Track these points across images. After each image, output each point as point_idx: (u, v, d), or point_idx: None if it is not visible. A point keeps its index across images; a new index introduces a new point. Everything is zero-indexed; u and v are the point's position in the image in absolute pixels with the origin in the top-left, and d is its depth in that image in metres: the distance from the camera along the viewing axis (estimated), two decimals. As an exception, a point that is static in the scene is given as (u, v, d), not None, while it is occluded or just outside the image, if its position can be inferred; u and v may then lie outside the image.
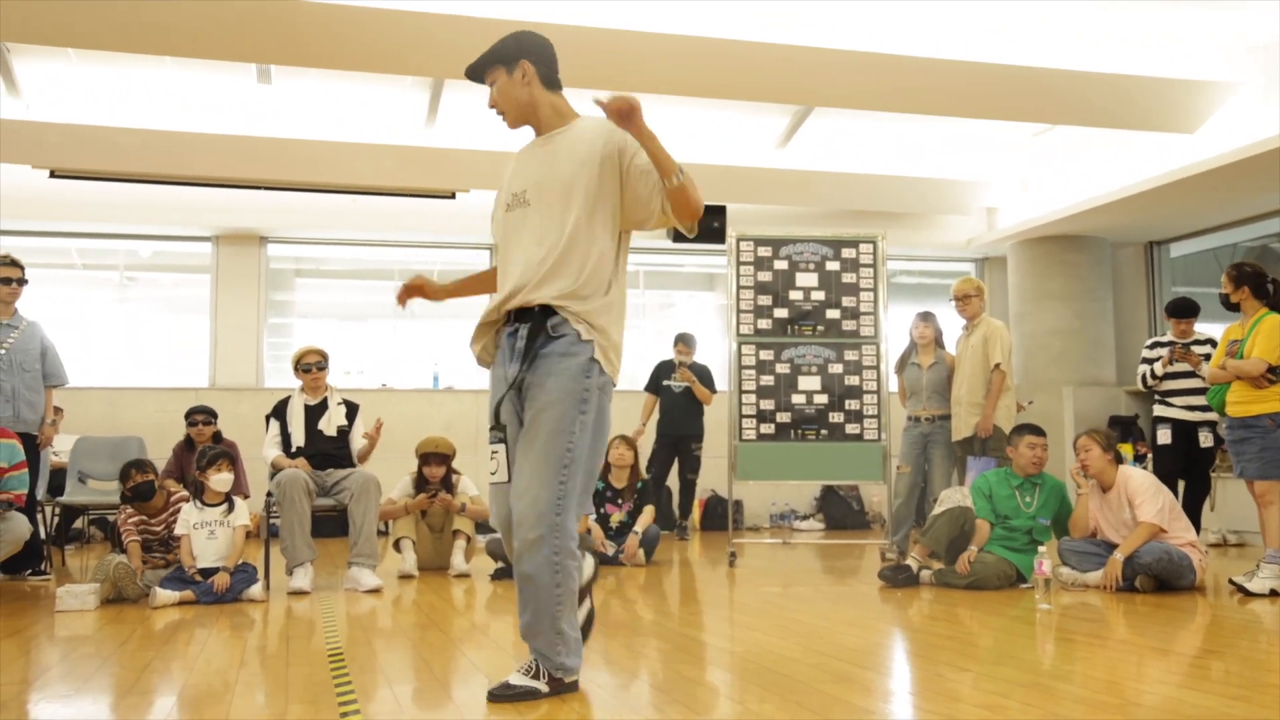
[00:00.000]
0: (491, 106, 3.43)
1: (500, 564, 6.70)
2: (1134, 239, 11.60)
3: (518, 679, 3.30)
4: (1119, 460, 6.21)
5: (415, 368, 11.49)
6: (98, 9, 6.75)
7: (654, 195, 3.25)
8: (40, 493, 7.13)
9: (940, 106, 8.57)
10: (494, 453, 3.30)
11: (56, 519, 8.18)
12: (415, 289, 3.73)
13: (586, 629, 3.55)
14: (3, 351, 6.74)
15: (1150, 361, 7.43)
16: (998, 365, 7.29)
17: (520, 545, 3.20)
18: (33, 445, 6.76)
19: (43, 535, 7.07)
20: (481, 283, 3.75)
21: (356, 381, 11.04)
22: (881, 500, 10.89)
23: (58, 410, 7.51)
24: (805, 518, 11.20)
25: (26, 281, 6.99)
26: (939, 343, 7.82)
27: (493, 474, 3.33)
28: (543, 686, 3.28)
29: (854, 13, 7.55)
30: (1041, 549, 5.64)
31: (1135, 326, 11.76)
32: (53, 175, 9.66)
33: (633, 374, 11.51)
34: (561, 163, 3.30)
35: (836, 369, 7.62)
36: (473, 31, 7.15)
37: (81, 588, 5.44)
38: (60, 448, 8.46)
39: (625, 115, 3.13)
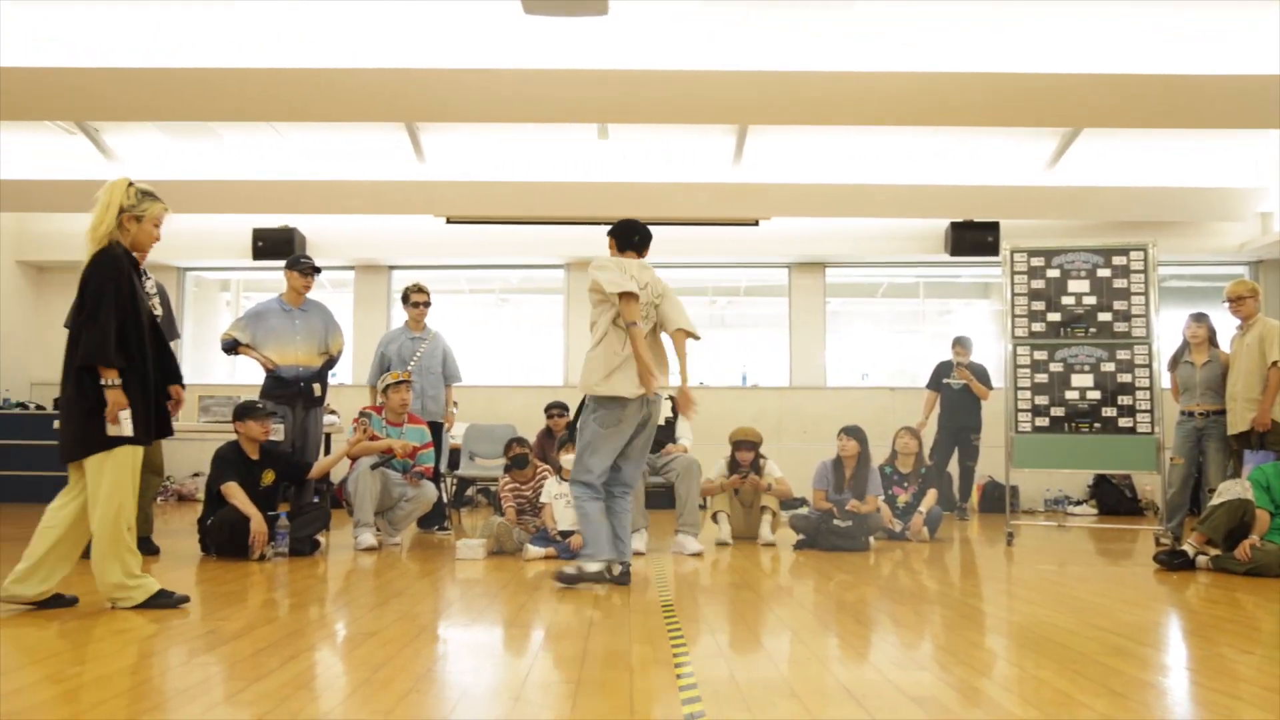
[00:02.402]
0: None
1: (802, 536, 6.66)
2: None
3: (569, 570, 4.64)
4: None
5: (727, 368, 11.63)
6: (480, 90, 7.31)
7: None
8: (442, 467, 7.75)
9: (1211, 120, 7.75)
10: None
11: (454, 488, 8.89)
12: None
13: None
14: (418, 356, 7.42)
15: None
16: (1275, 363, 6.50)
17: None
18: (437, 429, 7.38)
19: (445, 500, 7.70)
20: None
21: (678, 380, 11.26)
22: (1154, 489, 9.98)
23: (455, 404, 8.16)
24: (1079, 503, 10.42)
25: (430, 304, 7.65)
26: (1212, 341, 7.08)
27: None
28: (570, 569, 4.66)
29: (1118, 36, 6.97)
30: (1325, 539, 4.98)
31: None
32: (448, 221, 10.55)
33: (914, 374, 11.16)
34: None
35: (1109, 367, 7.05)
36: (766, 83, 7.20)
37: (473, 542, 5.90)
38: (456, 433, 9.19)
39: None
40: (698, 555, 6.10)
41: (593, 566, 4.66)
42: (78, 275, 3.89)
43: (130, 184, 3.96)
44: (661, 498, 7.07)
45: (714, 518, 7.03)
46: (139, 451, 3.92)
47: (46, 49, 6.78)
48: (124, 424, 3.84)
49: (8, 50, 6.81)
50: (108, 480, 3.82)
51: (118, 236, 3.91)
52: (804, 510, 7.11)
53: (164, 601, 3.89)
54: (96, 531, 3.84)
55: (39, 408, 10.69)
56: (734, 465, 7.15)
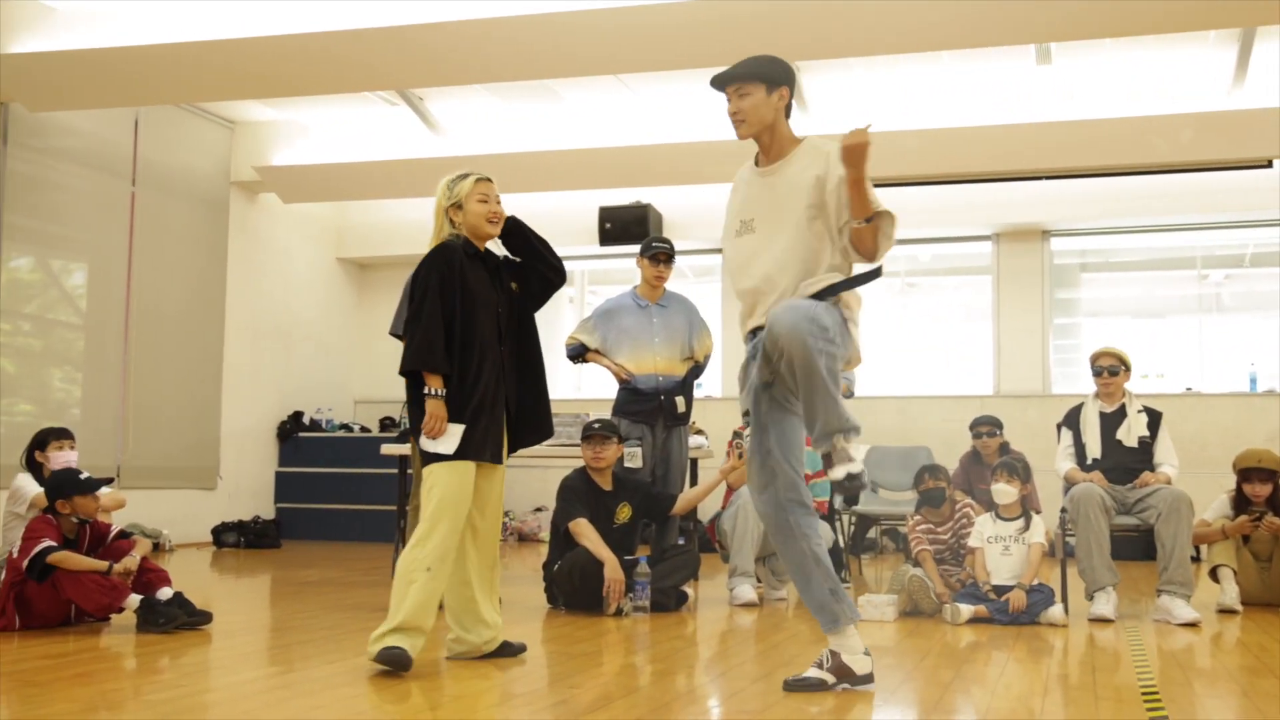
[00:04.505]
0: (733, 114, 4.20)
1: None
2: None
3: (811, 671, 3.84)
4: None
5: (1227, 368, 10.82)
6: (871, 16, 7.29)
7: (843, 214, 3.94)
8: (837, 502, 7.82)
9: None
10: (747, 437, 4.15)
11: (853, 528, 8.93)
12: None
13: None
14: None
15: None
16: None
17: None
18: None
19: (841, 544, 7.76)
20: None
21: (1157, 386, 10.64)
22: None
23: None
24: None
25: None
26: None
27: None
28: (828, 677, 3.79)
29: None
30: None
31: None
32: (835, 185, 10.64)
33: None
34: (782, 193, 4.07)
35: None
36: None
37: (881, 598, 5.91)
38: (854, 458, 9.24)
39: (854, 155, 3.85)
40: (1192, 625, 5.77)
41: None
42: (405, 272, 4.44)
43: (445, 181, 4.49)
44: (1136, 545, 6.73)
45: (1213, 574, 6.60)
46: (466, 477, 4.26)
47: (363, 8, 7.60)
48: (450, 439, 4.21)
49: (322, 15, 7.72)
50: (423, 506, 4.27)
51: (455, 233, 4.45)
52: (1355, 569, 6.44)
53: (392, 654, 4.06)
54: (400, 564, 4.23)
55: (364, 430, 12.02)
56: (1242, 502, 6.67)
